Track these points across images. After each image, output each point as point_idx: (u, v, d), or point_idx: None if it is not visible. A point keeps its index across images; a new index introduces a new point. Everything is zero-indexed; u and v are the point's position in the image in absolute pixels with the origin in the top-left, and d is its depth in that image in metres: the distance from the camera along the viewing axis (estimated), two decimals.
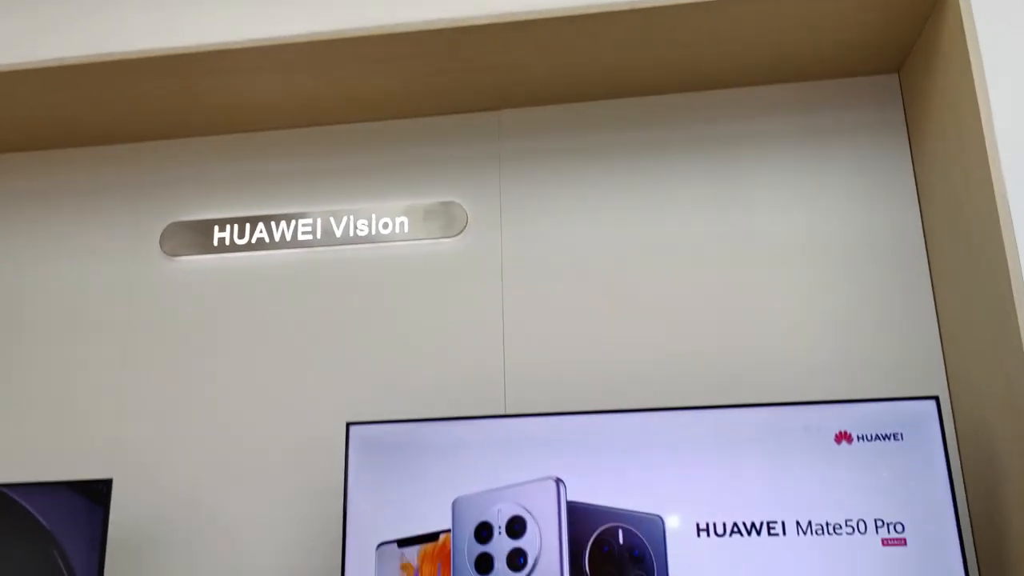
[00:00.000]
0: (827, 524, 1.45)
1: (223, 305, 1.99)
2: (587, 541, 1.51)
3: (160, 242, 2.05)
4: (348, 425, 1.64)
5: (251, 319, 1.97)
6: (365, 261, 1.97)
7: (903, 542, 1.42)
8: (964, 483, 1.61)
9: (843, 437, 1.49)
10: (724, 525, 1.48)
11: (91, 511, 1.67)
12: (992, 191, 1.45)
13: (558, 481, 1.54)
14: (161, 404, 1.95)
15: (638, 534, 1.50)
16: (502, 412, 1.82)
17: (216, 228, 2.03)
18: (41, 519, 1.66)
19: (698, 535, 1.48)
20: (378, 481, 1.60)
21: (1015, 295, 1.39)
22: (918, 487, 1.44)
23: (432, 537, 1.57)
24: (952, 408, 1.67)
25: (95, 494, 1.67)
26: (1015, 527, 1.44)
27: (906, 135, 1.85)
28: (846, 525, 1.44)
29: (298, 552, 1.81)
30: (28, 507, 1.67)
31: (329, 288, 1.97)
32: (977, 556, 1.51)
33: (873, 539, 1.43)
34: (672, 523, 1.49)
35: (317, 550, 1.80)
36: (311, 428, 1.87)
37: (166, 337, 1.99)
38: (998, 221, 1.43)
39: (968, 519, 1.60)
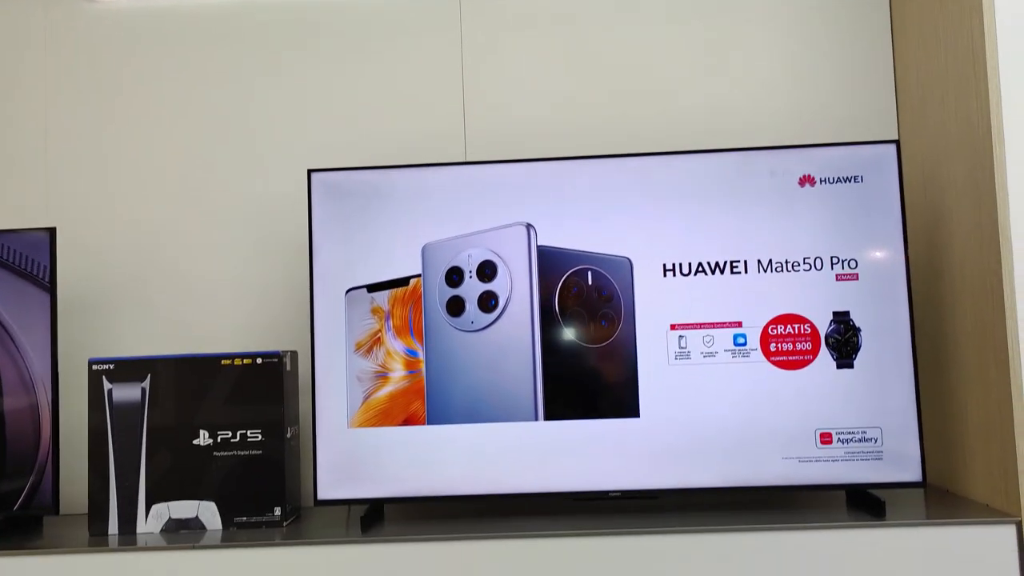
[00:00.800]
0: (786, 262, 1.52)
1: (165, 52, 1.83)
2: (557, 283, 1.54)
3: None
4: (309, 172, 1.59)
5: (198, 67, 1.84)
6: (320, 5, 1.82)
7: (855, 277, 1.51)
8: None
9: (807, 180, 1.53)
10: (690, 265, 1.53)
11: (37, 253, 1.59)
12: None
13: (528, 226, 1.55)
14: (103, 156, 1.83)
15: (607, 275, 1.55)
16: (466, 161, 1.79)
17: None
18: None
19: (664, 275, 1.54)
20: (344, 229, 1.57)
21: (986, 44, 1.41)
22: (872, 227, 1.51)
23: (402, 282, 1.57)
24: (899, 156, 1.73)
25: (37, 244, 1.58)
26: (954, 267, 1.56)
27: None
28: (804, 263, 1.52)
29: (264, 306, 1.80)
30: None
31: (279, 35, 1.84)
32: (910, 290, 1.63)
33: (828, 275, 1.51)
34: (640, 264, 1.54)
35: (284, 302, 1.79)
36: (272, 179, 1.82)
37: (103, 84, 1.83)
38: None
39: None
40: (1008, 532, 1.35)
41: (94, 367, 1.54)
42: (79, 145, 1.84)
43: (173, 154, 1.84)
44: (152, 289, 1.81)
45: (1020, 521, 1.35)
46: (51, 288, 1.58)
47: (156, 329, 1.79)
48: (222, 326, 1.79)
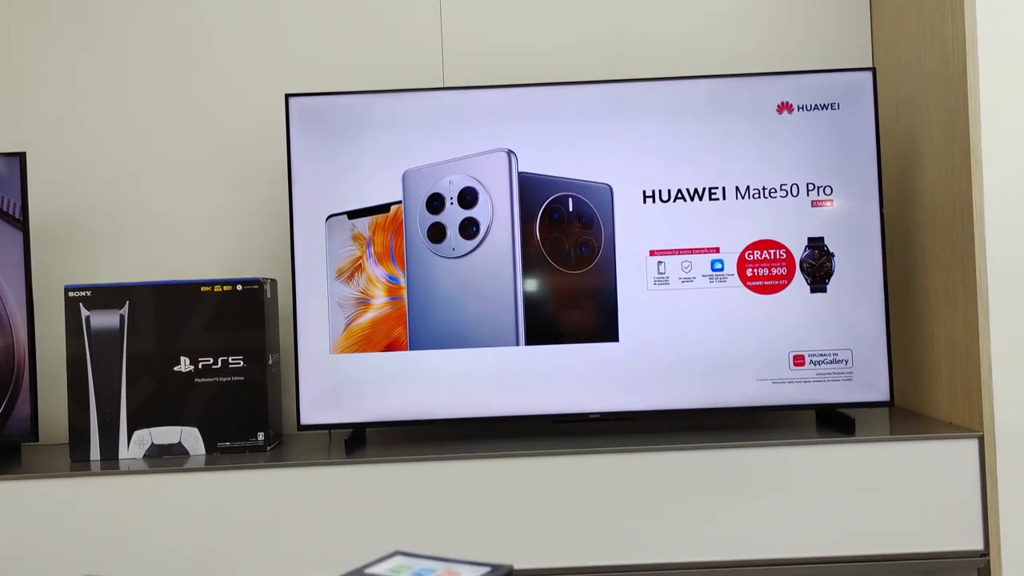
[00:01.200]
0: (763, 188, 1.54)
1: None
2: (537, 209, 1.55)
3: None
4: (287, 96, 1.56)
5: None
6: None
7: (830, 203, 1.54)
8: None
9: (785, 107, 1.55)
10: (669, 192, 1.55)
11: (7, 188, 1.56)
12: None
13: (509, 152, 1.55)
14: (73, 82, 1.78)
15: (587, 202, 1.56)
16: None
17: None
18: None
19: (644, 202, 1.55)
20: (323, 156, 1.56)
21: None
22: (847, 154, 1.54)
23: (383, 209, 1.57)
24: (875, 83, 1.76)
25: (6, 174, 1.55)
26: (925, 193, 1.59)
27: None
28: (780, 189, 1.54)
29: (242, 235, 1.78)
30: None
31: None
32: (882, 217, 1.67)
33: (804, 201, 1.54)
34: (620, 191, 1.55)
35: (263, 231, 1.78)
36: (249, 106, 1.79)
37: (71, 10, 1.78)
38: None
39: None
40: (970, 446, 1.41)
41: (70, 294, 1.53)
42: (47, 69, 1.79)
43: (148, 80, 1.80)
44: (128, 218, 1.78)
45: (982, 436, 1.41)
46: (23, 212, 1.55)
47: (132, 259, 1.77)
48: (200, 256, 1.77)
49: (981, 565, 1.41)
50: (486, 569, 0.45)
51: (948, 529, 1.41)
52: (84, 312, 1.53)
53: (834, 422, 1.56)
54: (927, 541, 1.41)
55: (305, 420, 1.54)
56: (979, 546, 1.40)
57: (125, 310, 1.53)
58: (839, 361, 1.53)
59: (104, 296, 1.53)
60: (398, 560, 0.50)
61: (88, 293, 1.53)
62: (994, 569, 1.40)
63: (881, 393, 1.52)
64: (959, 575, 1.49)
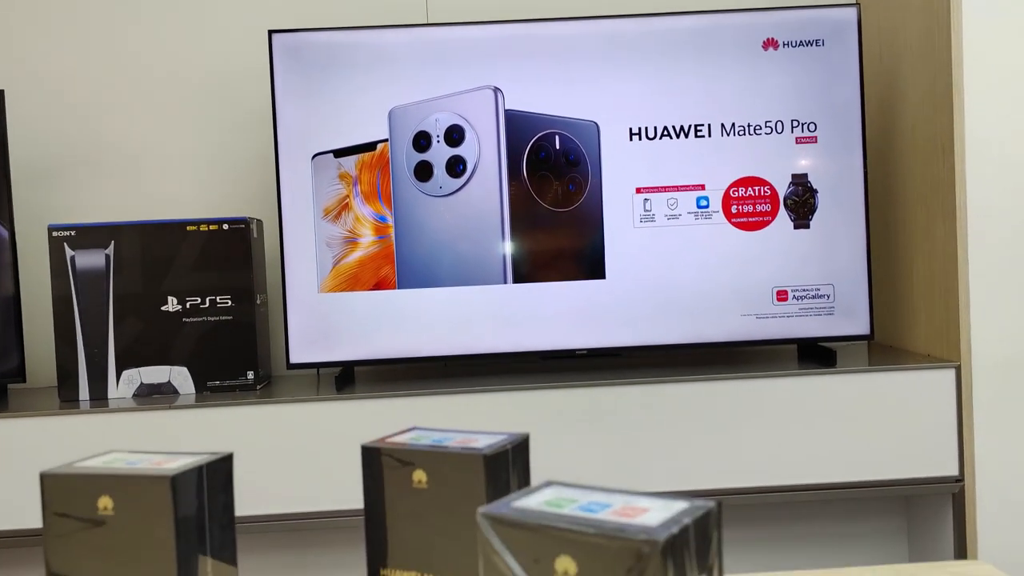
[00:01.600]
0: (748, 125, 1.55)
1: None
2: (525, 147, 1.55)
3: None
4: (270, 33, 1.54)
5: None
6: None
7: (814, 140, 1.55)
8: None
9: (770, 44, 1.55)
10: (655, 129, 1.55)
11: None
12: None
13: (496, 90, 1.54)
14: (52, 20, 1.74)
15: (574, 139, 1.56)
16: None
17: None
18: None
19: (631, 139, 1.56)
20: (308, 94, 1.55)
21: None
22: (832, 91, 1.55)
23: (369, 147, 1.56)
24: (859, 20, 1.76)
25: None
26: (907, 130, 1.61)
27: None
28: (765, 126, 1.55)
29: (227, 175, 1.77)
30: None
31: None
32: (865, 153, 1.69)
33: (788, 138, 1.55)
34: (606, 128, 1.55)
35: (248, 171, 1.76)
36: (232, 44, 1.76)
37: None
38: None
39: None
40: (948, 375, 1.45)
41: (54, 234, 1.52)
42: (26, 7, 1.75)
43: (129, 18, 1.76)
44: (111, 158, 1.76)
45: (959, 366, 1.45)
46: (3, 151, 1.53)
47: (117, 200, 1.76)
48: (185, 196, 1.76)
49: (956, 490, 1.46)
50: (503, 437, 0.47)
51: (925, 457, 1.45)
52: (69, 252, 1.52)
53: (815, 356, 1.59)
54: (904, 468, 1.45)
55: (294, 359, 1.55)
56: (954, 472, 1.45)
57: (110, 250, 1.52)
58: (821, 296, 1.56)
59: (89, 236, 1.52)
60: (415, 433, 0.51)
61: (72, 233, 1.52)
62: (968, 494, 1.45)
63: (862, 327, 1.55)
64: (934, 500, 1.54)
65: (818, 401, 1.45)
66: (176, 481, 0.49)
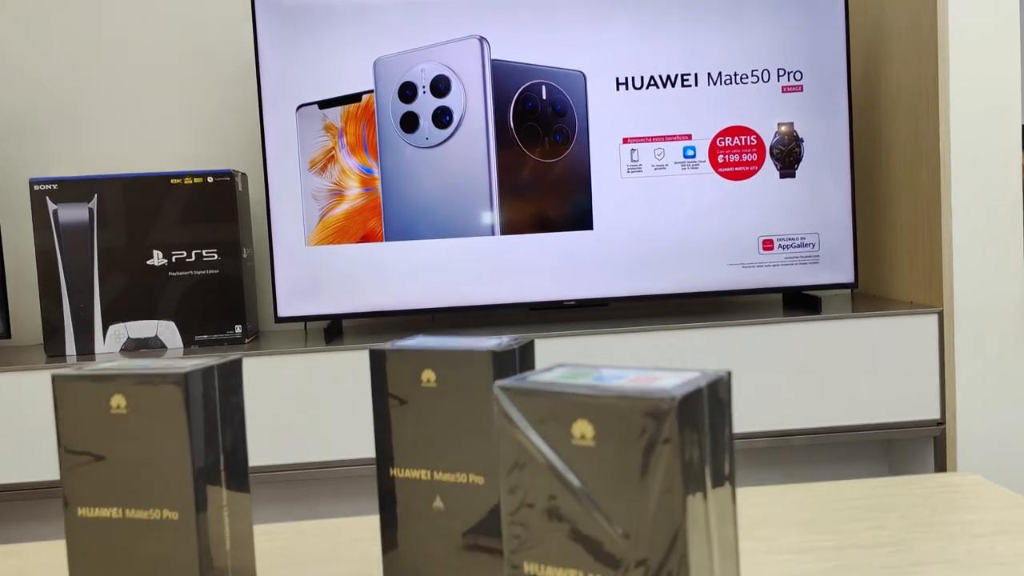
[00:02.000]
0: (735, 74, 1.56)
1: None
2: (511, 98, 1.55)
3: None
4: None
5: None
6: None
7: (800, 89, 1.56)
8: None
9: None
10: (642, 79, 1.55)
11: None
12: None
13: (481, 39, 1.53)
14: None
15: (561, 90, 1.56)
16: None
17: None
18: None
19: (617, 89, 1.55)
20: (292, 45, 1.53)
21: None
22: (818, 39, 1.55)
23: (354, 98, 1.55)
24: None
25: None
26: (892, 78, 1.62)
27: None
28: (751, 75, 1.56)
29: (210, 129, 1.75)
30: None
31: None
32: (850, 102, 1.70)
33: (774, 86, 1.56)
34: (593, 78, 1.55)
35: (232, 124, 1.74)
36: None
37: None
38: None
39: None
40: (930, 321, 1.47)
41: (36, 187, 1.50)
42: None
43: None
44: (92, 111, 1.74)
45: (941, 311, 1.47)
46: None
47: (99, 154, 1.73)
48: (168, 149, 1.74)
49: (937, 434, 1.49)
50: (509, 338, 0.47)
51: (907, 401, 1.48)
52: (51, 206, 1.50)
53: (800, 305, 1.61)
54: (887, 413, 1.48)
55: (282, 312, 1.55)
56: (936, 416, 1.48)
57: (94, 203, 1.51)
58: (806, 245, 1.57)
59: (71, 189, 1.50)
60: (420, 339, 0.52)
61: (54, 186, 1.50)
62: (948, 437, 1.48)
63: (846, 275, 1.57)
64: (916, 444, 1.57)
65: (803, 348, 1.47)
66: (189, 378, 0.49)
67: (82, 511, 0.50)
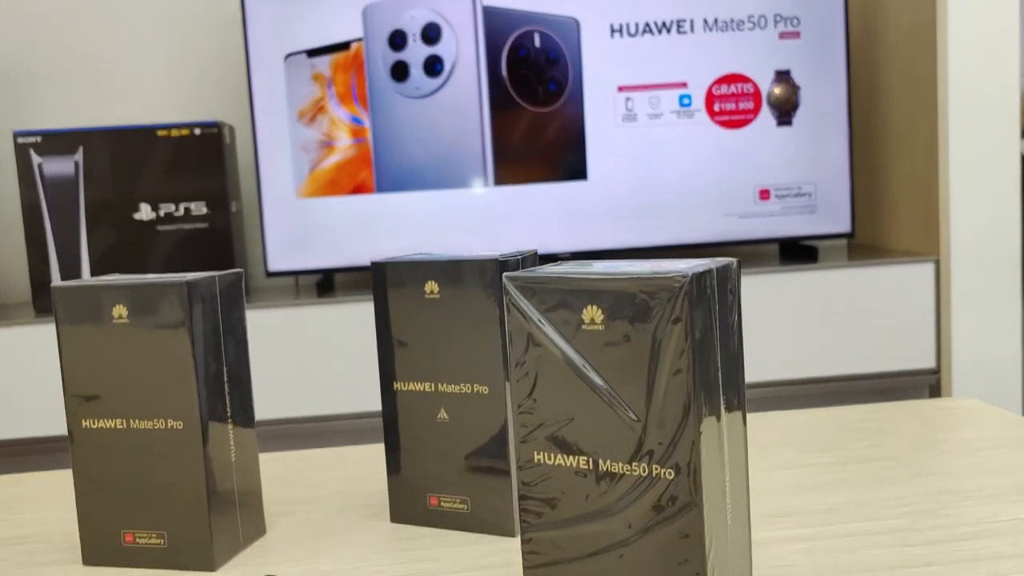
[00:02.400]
0: (731, 20, 1.53)
1: None
2: (503, 45, 1.52)
3: None
4: None
5: None
6: None
7: (797, 35, 1.53)
8: None
9: None
10: (636, 25, 1.52)
11: None
12: None
13: None
14: None
15: (554, 37, 1.52)
16: None
17: None
18: None
19: (611, 36, 1.52)
20: None
21: None
22: None
23: (343, 46, 1.52)
24: None
25: None
26: (889, 24, 1.59)
27: None
28: (748, 21, 1.53)
29: (195, 79, 1.72)
30: None
31: None
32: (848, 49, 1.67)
33: (771, 32, 1.53)
34: (586, 25, 1.52)
35: (218, 76, 1.71)
36: None
37: None
38: None
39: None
40: (927, 269, 1.46)
41: (20, 140, 1.47)
42: None
43: None
44: (76, 62, 1.70)
45: (938, 259, 1.46)
46: None
47: (83, 106, 1.70)
48: (153, 101, 1.71)
49: (932, 382, 1.49)
50: (512, 250, 0.46)
51: (903, 350, 1.47)
52: (36, 159, 1.47)
53: (797, 255, 1.59)
54: (883, 362, 1.47)
55: (272, 267, 1.53)
56: (931, 364, 1.47)
57: (79, 156, 1.48)
58: (803, 195, 1.55)
59: (56, 142, 1.47)
60: (424, 253, 0.50)
61: (39, 139, 1.47)
62: (944, 385, 1.48)
63: (843, 225, 1.56)
64: (912, 393, 1.57)
65: (799, 297, 1.46)
66: (191, 286, 0.48)
67: (86, 423, 0.50)
